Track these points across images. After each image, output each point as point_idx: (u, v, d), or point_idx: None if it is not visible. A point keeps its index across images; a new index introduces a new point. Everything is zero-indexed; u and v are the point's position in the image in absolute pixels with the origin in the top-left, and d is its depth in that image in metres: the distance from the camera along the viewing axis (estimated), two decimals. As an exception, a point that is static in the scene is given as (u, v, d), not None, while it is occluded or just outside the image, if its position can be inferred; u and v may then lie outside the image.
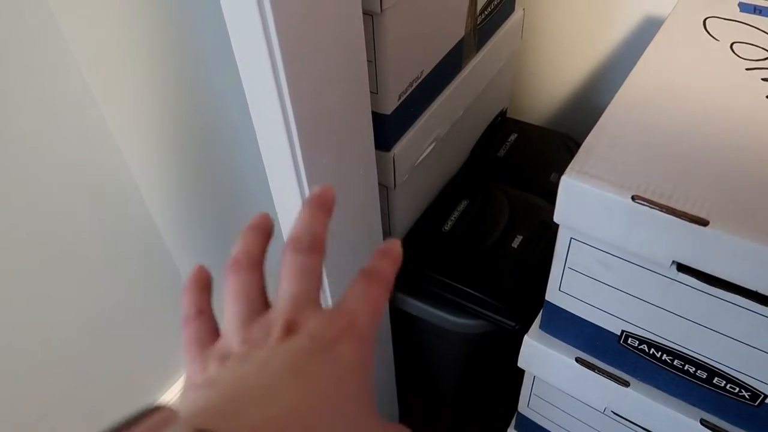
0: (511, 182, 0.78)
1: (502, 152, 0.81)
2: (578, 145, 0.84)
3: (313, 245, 0.27)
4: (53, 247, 0.70)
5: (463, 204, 0.74)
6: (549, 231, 0.71)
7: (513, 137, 0.84)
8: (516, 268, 0.68)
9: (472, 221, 0.72)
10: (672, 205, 0.41)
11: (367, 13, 0.50)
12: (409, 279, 0.72)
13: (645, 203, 0.42)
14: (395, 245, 0.29)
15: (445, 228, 0.71)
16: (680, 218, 0.41)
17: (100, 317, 0.79)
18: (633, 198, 0.42)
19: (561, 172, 0.81)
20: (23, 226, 0.66)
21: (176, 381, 0.97)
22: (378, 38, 0.52)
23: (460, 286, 0.68)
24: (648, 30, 0.78)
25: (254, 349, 0.24)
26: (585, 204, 0.45)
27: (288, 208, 0.54)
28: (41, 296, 0.72)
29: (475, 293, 0.67)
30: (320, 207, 0.29)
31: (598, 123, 0.48)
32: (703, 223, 0.40)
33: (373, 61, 0.53)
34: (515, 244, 0.70)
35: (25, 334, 0.72)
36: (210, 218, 0.71)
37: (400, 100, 0.58)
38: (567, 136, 0.84)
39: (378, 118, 0.58)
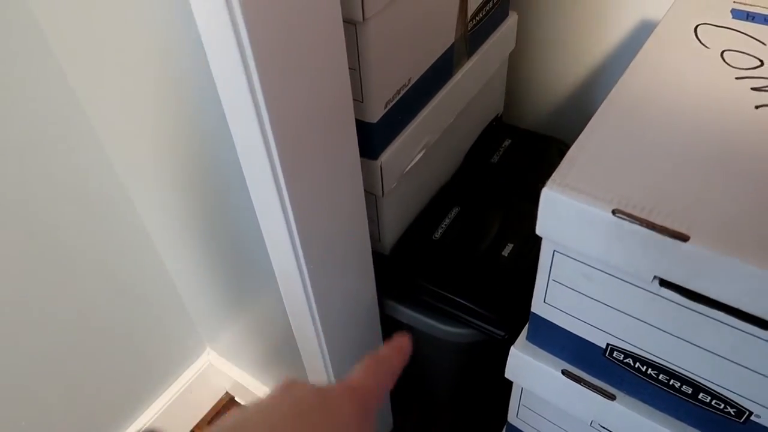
0: (505, 189, 0.77)
1: (495, 158, 0.81)
2: (573, 151, 0.83)
3: (389, 369, 0.33)
4: (48, 248, 0.70)
5: (455, 211, 0.73)
6: (539, 240, 0.70)
7: (507, 143, 0.83)
8: (506, 277, 0.68)
9: (462, 229, 0.72)
10: (653, 219, 0.41)
11: (350, 22, 0.50)
12: (399, 287, 0.71)
13: (625, 217, 0.41)
14: (404, 341, 0.34)
15: (436, 236, 0.71)
16: (660, 233, 0.40)
17: (94, 323, 0.80)
18: (613, 212, 0.41)
19: (555, 179, 0.80)
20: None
21: (165, 390, 0.97)
22: (361, 47, 0.51)
23: (449, 296, 0.67)
24: (644, 34, 0.77)
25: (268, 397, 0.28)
26: (566, 217, 0.44)
27: (269, 215, 0.53)
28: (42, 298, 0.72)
29: (465, 302, 0.67)
30: (398, 352, 0.34)
31: (582, 134, 0.47)
32: (684, 238, 0.40)
33: (357, 69, 0.53)
34: (506, 252, 0.69)
35: (28, 337, 0.72)
36: (199, 223, 0.71)
37: (387, 108, 0.58)
38: (562, 142, 0.83)
39: (364, 127, 0.57)
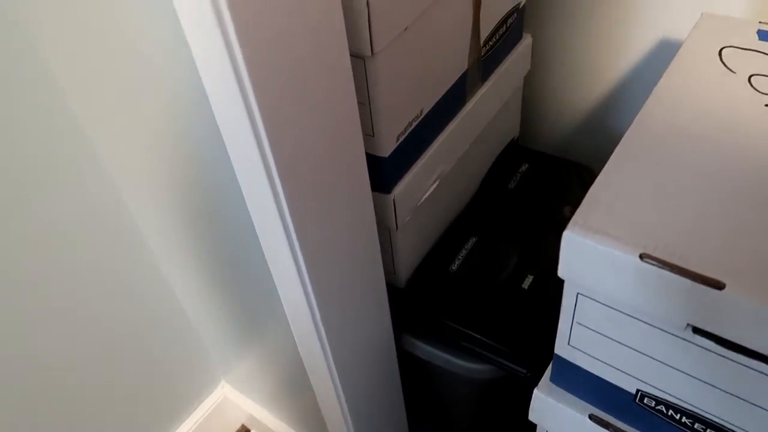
0: (523, 216, 0.75)
1: (512, 184, 0.78)
2: (592, 174, 0.81)
3: None
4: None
5: (471, 241, 0.71)
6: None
7: (524, 167, 0.80)
8: (526, 310, 0.65)
9: (480, 260, 0.69)
10: (684, 265, 0.38)
11: (358, 56, 0.48)
12: (416, 321, 0.69)
13: (654, 263, 0.38)
14: None
15: (452, 268, 0.68)
16: (693, 280, 0.37)
17: (108, 357, 0.78)
18: (641, 257, 0.39)
19: (574, 205, 0.77)
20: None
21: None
22: (370, 82, 0.49)
23: (467, 331, 0.65)
24: (663, 52, 0.74)
25: None
26: (590, 261, 0.42)
27: (276, 253, 0.52)
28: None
29: (484, 338, 0.64)
30: None
31: (603, 170, 0.45)
32: (719, 286, 0.37)
33: (366, 103, 0.51)
34: (526, 284, 0.67)
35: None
36: (211, 257, 0.69)
37: (399, 142, 0.56)
38: (581, 165, 0.81)
39: (375, 161, 0.55)
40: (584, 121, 0.86)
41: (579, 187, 0.78)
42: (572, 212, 0.76)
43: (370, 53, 0.47)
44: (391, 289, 0.66)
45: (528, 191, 0.78)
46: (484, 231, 0.72)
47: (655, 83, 0.78)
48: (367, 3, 0.44)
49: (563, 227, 0.75)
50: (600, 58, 0.79)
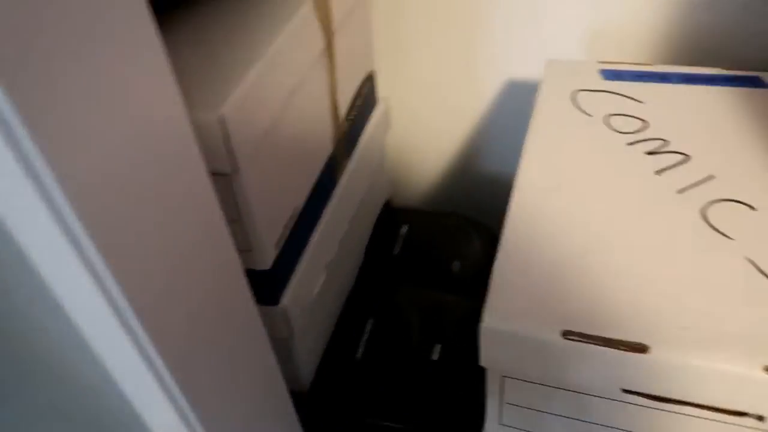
0: (413, 281, 0.73)
1: (396, 249, 0.76)
2: (470, 222, 0.80)
3: None
4: None
5: (370, 324, 0.67)
6: (467, 331, 0.65)
7: (404, 229, 0.79)
8: (441, 382, 0.62)
9: (383, 341, 0.66)
10: (606, 334, 0.37)
11: (221, 174, 0.43)
12: (329, 426, 0.64)
13: (578, 339, 0.37)
14: None
15: (357, 356, 0.65)
16: (618, 349, 0.37)
17: None
18: (564, 334, 0.37)
19: (462, 259, 0.76)
20: None
21: None
22: (239, 197, 0.45)
23: (385, 422, 0.61)
24: (512, 91, 0.76)
25: None
26: (512, 347, 0.40)
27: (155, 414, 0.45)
28: None
29: (403, 426, 0.60)
30: None
31: (499, 252, 0.43)
32: (643, 349, 0.36)
33: (238, 220, 0.46)
34: (435, 355, 0.64)
35: None
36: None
37: (278, 249, 0.51)
38: (458, 215, 0.80)
39: (257, 275, 0.50)
40: (451, 168, 0.86)
41: (461, 238, 0.78)
42: (461, 267, 0.76)
43: (229, 170, 0.42)
44: (296, 396, 0.61)
45: (413, 254, 0.76)
46: (380, 310, 0.69)
47: (510, 122, 0.80)
48: (221, 119, 0.39)
49: (455, 282, 0.74)
50: (453, 104, 0.80)
